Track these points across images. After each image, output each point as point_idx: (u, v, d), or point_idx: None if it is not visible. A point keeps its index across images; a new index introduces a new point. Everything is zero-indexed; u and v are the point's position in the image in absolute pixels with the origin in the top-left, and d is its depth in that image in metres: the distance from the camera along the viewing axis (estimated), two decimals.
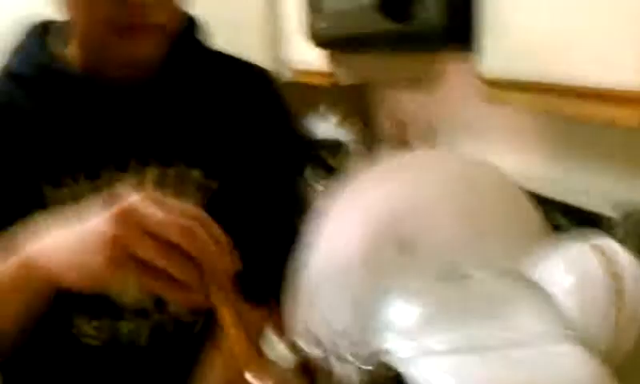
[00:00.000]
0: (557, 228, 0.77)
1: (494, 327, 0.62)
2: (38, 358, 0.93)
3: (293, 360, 0.64)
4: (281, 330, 0.70)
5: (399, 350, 0.62)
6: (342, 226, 0.74)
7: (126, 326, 0.92)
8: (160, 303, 0.92)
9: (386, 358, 0.62)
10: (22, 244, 0.71)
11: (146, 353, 0.94)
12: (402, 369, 0.60)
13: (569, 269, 0.65)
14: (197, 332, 0.95)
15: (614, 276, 0.64)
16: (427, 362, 0.61)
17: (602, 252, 0.65)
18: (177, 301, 0.73)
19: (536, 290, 0.64)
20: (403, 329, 0.64)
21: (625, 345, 0.66)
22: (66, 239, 0.67)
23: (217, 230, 0.66)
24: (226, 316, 0.64)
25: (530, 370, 0.60)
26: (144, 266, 0.63)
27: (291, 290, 0.76)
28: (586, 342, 0.64)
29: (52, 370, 0.95)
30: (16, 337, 0.75)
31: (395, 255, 0.70)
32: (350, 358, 0.64)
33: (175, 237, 0.63)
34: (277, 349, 0.69)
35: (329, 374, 0.64)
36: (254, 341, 0.69)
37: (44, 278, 0.69)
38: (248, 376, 0.60)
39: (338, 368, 0.64)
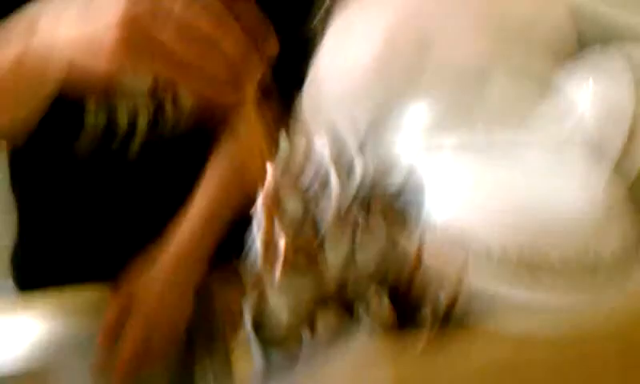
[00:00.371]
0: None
1: (509, 128, 0.60)
2: (42, 154, 0.95)
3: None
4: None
5: (409, 147, 0.61)
6: (361, 25, 0.71)
7: (124, 110, 0.92)
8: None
9: (394, 160, 0.62)
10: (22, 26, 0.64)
11: (135, 168, 0.95)
12: (409, 168, 0.59)
13: (593, 75, 0.63)
14: (187, 148, 0.96)
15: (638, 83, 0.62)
16: (436, 159, 0.60)
17: (628, 58, 0.62)
18: (197, 91, 0.65)
19: (557, 95, 0.62)
20: (415, 129, 0.63)
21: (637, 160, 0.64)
22: (75, 13, 0.62)
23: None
24: (251, 113, 0.63)
25: (543, 172, 0.59)
26: (161, 52, 0.57)
27: (305, 93, 0.74)
28: (600, 151, 0.62)
29: (51, 175, 0.97)
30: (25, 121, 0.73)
31: (413, 56, 0.67)
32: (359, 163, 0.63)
33: (204, 23, 0.56)
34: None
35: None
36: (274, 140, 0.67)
37: (48, 63, 0.62)
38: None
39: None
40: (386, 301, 0.56)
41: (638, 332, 0.59)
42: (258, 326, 0.60)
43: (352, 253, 0.56)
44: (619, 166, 0.63)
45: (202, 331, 0.88)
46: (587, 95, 0.63)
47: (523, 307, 0.57)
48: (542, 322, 0.57)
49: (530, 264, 0.57)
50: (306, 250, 0.61)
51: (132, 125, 0.93)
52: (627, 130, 0.62)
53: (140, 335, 0.86)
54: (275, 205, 0.59)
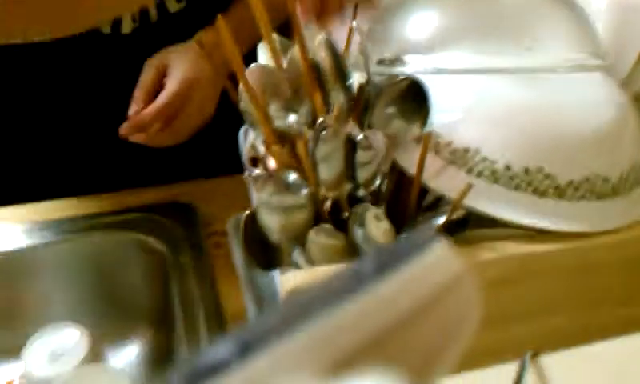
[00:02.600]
0: None
1: (519, 48, 0.55)
2: None
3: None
4: None
5: (414, 64, 0.56)
6: None
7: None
8: None
9: (397, 69, 0.57)
10: None
11: (128, 43, 0.89)
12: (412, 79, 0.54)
13: None
14: (180, 25, 0.89)
15: None
16: (442, 80, 0.55)
17: None
18: None
19: (570, 9, 0.56)
20: (420, 41, 0.57)
21: None
22: None
23: None
24: None
25: (553, 93, 0.55)
26: None
27: None
28: (608, 69, 0.58)
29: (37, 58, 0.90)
30: None
31: None
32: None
33: None
34: None
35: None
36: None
37: None
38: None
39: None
40: (384, 223, 0.52)
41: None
42: (247, 245, 0.56)
43: (347, 168, 0.52)
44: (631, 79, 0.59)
45: (184, 250, 0.84)
46: (601, 6, 0.58)
47: (526, 230, 0.54)
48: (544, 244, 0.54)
49: (536, 187, 0.53)
50: (297, 165, 0.57)
51: (116, 28, 0.87)
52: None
53: (179, 92, 0.81)
54: (263, 114, 0.54)
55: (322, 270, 0.52)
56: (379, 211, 0.53)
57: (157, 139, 0.83)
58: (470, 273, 0.29)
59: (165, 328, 0.80)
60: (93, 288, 0.86)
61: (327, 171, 0.51)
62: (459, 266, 0.29)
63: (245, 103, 0.55)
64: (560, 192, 0.53)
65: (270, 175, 0.56)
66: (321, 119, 0.51)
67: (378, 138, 0.51)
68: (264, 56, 0.79)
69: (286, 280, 0.51)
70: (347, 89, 0.53)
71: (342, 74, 0.53)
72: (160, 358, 0.82)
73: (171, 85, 0.82)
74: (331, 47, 0.53)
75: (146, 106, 0.81)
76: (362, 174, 0.51)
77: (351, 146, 0.51)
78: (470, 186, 0.52)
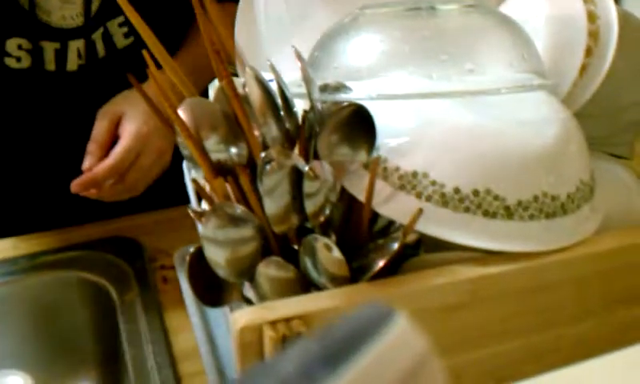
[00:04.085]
0: None
1: (462, 71, 0.54)
2: None
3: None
4: None
5: (357, 90, 0.54)
6: None
7: (50, 47, 0.82)
8: (92, 21, 0.82)
9: (341, 96, 0.55)
10: None
11: (75, 80, 0.85)
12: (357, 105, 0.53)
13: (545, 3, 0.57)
14: (129, 59, 0.86)
15: (591, 15, 0.57)
16: (387, 105, 0.53)
17: None
18: None
19: (510, 29, 0.56)
20: (362, 67, 0.56)
21: (583, 96, 0.60)
22: None
23: None
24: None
25: (498, 113, 0.54)
26: None
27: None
28: (550, 87, 0.57)
29: None
30: None
31: None
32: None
33: None
34: None
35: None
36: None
37: None
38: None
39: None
40: (336, 253, 0.50)
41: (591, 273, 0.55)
42: (195, 280, 0.53)
43: (294, 200, 0.49)
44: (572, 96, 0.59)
45: (131, 287, 0.80)
46: (539, 20, 0.57)
47: (479, 252, 0.52)
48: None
49: (485, 209, 0.52)
50: (242, 197, 0.54)
51: (61, 65, 0.84)
52: (578, 66, 0.57)
53: (133, 147, 0.77)
54: (199, 151, 0.52)
55: (273, 305, 0.49)
56: (330, 241, 0.51)
57: (111, 194, 0.80)
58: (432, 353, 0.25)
59: (113, 368, 0.76)
60: (36, 331, 0.82)
61: (273, 205, 0.49)
62: (422, 345, 0.25)
63: (181, 140, 0.53)
64: (509, 213, 0.52)
65: (213, 209, 0.53)
66: (263, 153, 0.48)
67: (325, 168, 0.49)
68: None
69: (238, 318, 0.48)
70: (289, 118, 0.51)
71: (274, 107, 0.51)
72: None
73: (124, 140, 0.78)
74: (260, 81, 0.51)
75: (100, 160, 0.77)
76: (310, 206, 0.49)
77: (297, 177, 0.49)
78: (420, 212, 0.50)
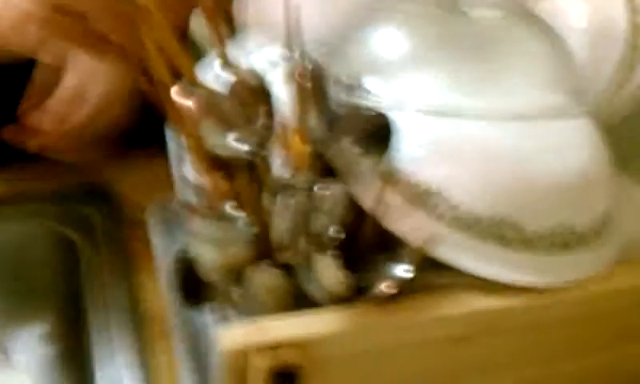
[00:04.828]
0: None
1: (494, 84, 0.48)
2: None
3: (228, 81, 0.48)
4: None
5: (376, 90, 0.48)
6: None
7: None
8: None
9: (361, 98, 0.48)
10: None
11: None
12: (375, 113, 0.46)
13: (586, 12, 0.51)
14: None
15: (636, 29, 0.51)
16: (409, 121, 0.47)
17: None
18: None
19: (549, 38, 0.49)
20: (384, 63, 0.49)
21: (617, 115, 0.54)
22: None
23: None
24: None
25: (525, 137, 0.48)
26: None
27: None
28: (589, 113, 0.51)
29: None
30: None
31: None
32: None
33: None
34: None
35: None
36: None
37: None
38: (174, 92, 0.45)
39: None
40: (339, 270, 0.45)
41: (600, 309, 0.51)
42: (178, 278, 0.48)
43: (301, 221, 0.44)
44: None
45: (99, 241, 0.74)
46: (578, 32, 0.51)
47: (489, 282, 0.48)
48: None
49: (500, 236, 0.47)
50: (236, 195, 0.48)
51: None
52: (616, 81, 0.51)
53: (70, 87, 0.69)
54: (194, 138, 0.45)
55: (267, 325, 0.44)
56: (332, 256, 0.46)
57: (49, 145, 0.72)
58: None
59: (76, 329, 0.71)
60: None
61: (281, 227, 0.43)
62: None
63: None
64: (526, 242, 0.47)
65: (204, 202, 0.47)
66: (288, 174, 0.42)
67: (336, 186, 0.44)
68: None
69: (226, 337, 0.43)
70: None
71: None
72: (71, 359, 0.73)
73: (64, 84, 0.69)
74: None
75: (38, 107, 0.69)
76: (317, 225, 0.44)
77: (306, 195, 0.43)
78: (433, 238, 0.45)
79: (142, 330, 0.67)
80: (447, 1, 0.49)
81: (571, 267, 0.49)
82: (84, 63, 0.69)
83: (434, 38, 0.49)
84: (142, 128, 0.76)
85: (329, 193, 0.44)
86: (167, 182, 0.64)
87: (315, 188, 0.44)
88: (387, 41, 0.50)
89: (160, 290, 0.66)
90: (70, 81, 0.69)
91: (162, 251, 0.65)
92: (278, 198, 0.43)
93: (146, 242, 0.72)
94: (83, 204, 0.76)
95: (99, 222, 0.75)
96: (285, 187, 0.43)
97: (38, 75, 0.70)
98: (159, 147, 0.63)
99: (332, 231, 0.45)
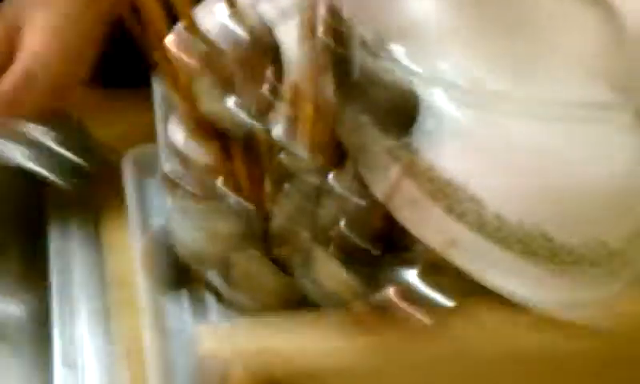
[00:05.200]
0: None
1: (533, 78, 0.41)
2: None
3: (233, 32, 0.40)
4: None
5: (408, 64, 0.41)
6: None
7: None
8: None
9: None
10: None
11: None
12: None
13: None
14: None
15: None
16: (440, 102, 0.40)
17: None
18: None
19: (610, 23, 0.42)
20: (415, 27, 0.42)
21: None
22: None
23: None
24: None
25: (563, 134, 0.42)
26: None
27: None
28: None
29: None
30: None
31: None
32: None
33: None
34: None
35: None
36: None
37: None
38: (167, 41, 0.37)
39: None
40: (342, 272, 0.39)
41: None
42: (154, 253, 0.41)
43: (304, 210, 0.37)
44: None
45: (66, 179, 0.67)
46: None
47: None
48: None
49: (526, 246, 0.41)
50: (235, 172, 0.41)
51: None
52: None
53: (22, 69, 0.60)
54: (186, 97, 0.38)
55: (253, 326, 0.38)
56: (334, 252, 0.39)
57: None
58: None
59: (35, 286, 0.64)
60: None
61: (282, 214, 0.37)
62: None
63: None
64: (553, 256, 0.41)
65: (190, 173, 0.40)
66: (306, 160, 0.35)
67: (346, 173, 0.37)
68: None
69: (206, 337, 0.37)
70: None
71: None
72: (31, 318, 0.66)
73: (21, 61, 0.60)
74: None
75: None
76: (324, 217, 0.37)
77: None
78: (453, 243, 0.39)
79: (107, 295, 0.60)
80: None
81: (596, 286, 0.43)
82: (41, 36, 0.61)
83: (476, 6, 0.41)
84: (128, 66, 0.69)
85: (342, 178, 0.37)
86: (149, 130, 0.57)
87: (326, 171, 0.37)
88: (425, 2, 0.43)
89: (129, 254, 0.59)
90: (25, 60, 0.60)
91: (136, 213, 0.58)
92: (280, 181, 0.36)
93: (119, 195, 0.65)
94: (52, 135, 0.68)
95: (67, 159, 0.67)
96: (291, 168, 0.36)
97: None
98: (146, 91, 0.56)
99: (341, 224, 0.38)
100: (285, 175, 0.36)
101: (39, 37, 0.61)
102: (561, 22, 0.43)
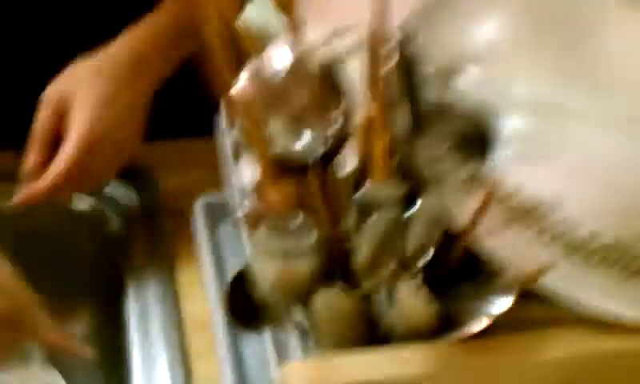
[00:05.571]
0: None
1: (604, 87, 0.40)
2: None
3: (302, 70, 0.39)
4: None
5: (476, 86, 0.40)
6: None
7: None
8: None
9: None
10: None
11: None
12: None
13: None
14: None
15: None
16: (514, 123, 0.39)
17: None
18: None
19: None
20: (481, 52, 0.41)
21: None
22: None
23: None
24: None
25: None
26: None
27: None
28: None
29: None
30: None
31: None
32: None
33: None
34: None
35: None
36: None
37: None
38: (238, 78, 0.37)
39: None
40: (424, 297, 0.37)
41: None
42: (235, 302, 0.41)
43: (390, 239, 0.36)
44: None
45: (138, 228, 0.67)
46: None
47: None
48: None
49: (626, 265, 0.39)
50: (305, 202, 0.40)
51: None
52: None
53: (78, 156, 0.61)
54: (260, 141, 0.38)
55: (337, 362, 0.37)
56: (417, 282, 0.38)
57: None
58: None
59: (114, 336, 0.64)
60: (27, 265, 0.69)
61: (367, 248, 0.35)
62: None
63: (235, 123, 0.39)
64: None
65: (266, 212, 0.40)
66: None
67: (430, 201, 0.36)
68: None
69: (288, 374, 0.36)
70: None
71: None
72: (109, 361, 0.66)
73: (71, 142, 0.61)
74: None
75: (44, 158, 0.62)
76: (409, 249, 0.36)
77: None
78: (549, 267, 0.37)
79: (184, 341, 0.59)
80: None
81: None
82: (89, 116, 0.62)
83: (537, 21, 0.40)
84: (193, 115, 0.69)
85: (423, 208, 0.36)
86: (214, 176, 0.57)
87: (406, 202, 0.35)
88: (485, 23, 0.41)
89: (206, 298, 0.58)
90: (76, 140, 0.61)
91: (209, 258, 0.58)
92: (364, 214, 0.35)
93: (191, 242, 0.65)
94: (124, 187, 0.69)
95: (139, 208, 0.68)
96: (374, 200, 0.35)
97: (40, 123, 0.63)
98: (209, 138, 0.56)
99: (425, 254, 0.36)
100: (368, 208, 0.35)
101: (87, 117, 0.62)
102: (625, 27, 0.41)
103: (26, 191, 0.62)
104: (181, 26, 0.66)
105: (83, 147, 0.61)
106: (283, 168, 0.39)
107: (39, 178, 0.62)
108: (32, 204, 0.63)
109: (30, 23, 0.73)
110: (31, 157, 0.62)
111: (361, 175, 0.39)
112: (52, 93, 0.64)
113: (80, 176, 0.62)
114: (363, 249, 0.36)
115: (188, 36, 0.66)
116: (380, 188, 0.35)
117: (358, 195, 0.36)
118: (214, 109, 0.54)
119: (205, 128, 0.59)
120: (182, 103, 0.74)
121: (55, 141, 0.63)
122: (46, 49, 0.73)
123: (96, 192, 0.68)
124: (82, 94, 0.62)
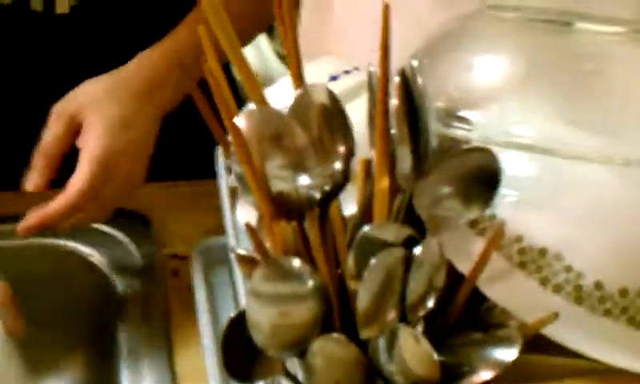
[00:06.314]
0: None
1: (610, 131, 0.39)
2: None
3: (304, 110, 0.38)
4: None
5: (478, 125, 0.39)
6: None
7: None
8: None
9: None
10: None
11: (66, 25, 0.70)
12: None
13: None
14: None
15: None
16: (520, 163, 0.38)
17: None
18: None
19: None
20: (486, 93, 0.40)
21: None
22: None
23: None
24: None
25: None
26: None
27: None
28: None
29: None
30: None
31: None
32: None
33: None
34: None
35: None
36: None
37: None
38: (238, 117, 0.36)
39: None
40: (426, 347, 0.36)
41: None
42: (229, 351, 0.39)
43: (390, 288, 0.34)
44: None
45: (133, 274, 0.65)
46: None
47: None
48: None
49: (632, 316, 0.37)
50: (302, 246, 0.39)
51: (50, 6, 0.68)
52: None
53: (94, 177, 0.58)
54: (258, 181, 0.36)
55: None
56: (420, 332, 0.36)
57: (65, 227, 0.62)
58: None
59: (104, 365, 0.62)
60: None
61: (367, 295, 0.34)
62: None
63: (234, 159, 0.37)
64: None
65: (263, 256, 0.38)
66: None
67: (433, 245, 0.34)
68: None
69: None
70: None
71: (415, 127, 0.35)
72: None
73: (85, 166, 0.58)
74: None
75: (47, 178, 0.59)
76: (411, 294, 0.34)
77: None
78: (555, 317, 0.36)
79: None
80: (558, 13, 0.39)
81: None
82: (106, 132, 0.60)
83: (542, 60, 0.39)
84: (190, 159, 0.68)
85: (425, 253, 0.34)
86: (216, 218, 0.55)
87: (408, 245, 0.34)
88: (489, 63, 0.41)
89: (200, 347, 0.56)
90: (91, 163, 0.59)
91: (205, 306, 0.56)
92: (364, 258, 0.33)
93: (187, 284, 0.64)
94: (119, 231, 0.67)
95: (135, 254, 0.66)
96: (374, 243, 0.33)
97: (50, 137, 0.61)
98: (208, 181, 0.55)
99: (429, 301, 0.35)
100: (368, 251, 0.34)
101: (102, 138, 0.60)
102: (632, 70, 0.40)
103: (36, 216, 0.59)
104: (194, 52, 0.65)
105: (97, 173, 0.59)
106: (281, 210, 0.38)
107: (40, 195, 0.59)
108: (40, 230, 0.61)
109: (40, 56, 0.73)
110: (32, 176, 0.60)
111: (362, 218, 0.38)
112: (65, 108, 0.62)
113: (90, 202, 0.60)
114: (363, 296, 0.34)
115: (200, 62, 0.65)
116: (381, 231, 0.34)
117: (357, 238, 0.34)
118: (213, 150, 0.54)
119: (205, 170, 0.58)
120: (181, 144, 0.73)
121: (61, 161, 0.60)
122: (51, 86, 0.72)
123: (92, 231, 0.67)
124: (96, 115, 0.60)
